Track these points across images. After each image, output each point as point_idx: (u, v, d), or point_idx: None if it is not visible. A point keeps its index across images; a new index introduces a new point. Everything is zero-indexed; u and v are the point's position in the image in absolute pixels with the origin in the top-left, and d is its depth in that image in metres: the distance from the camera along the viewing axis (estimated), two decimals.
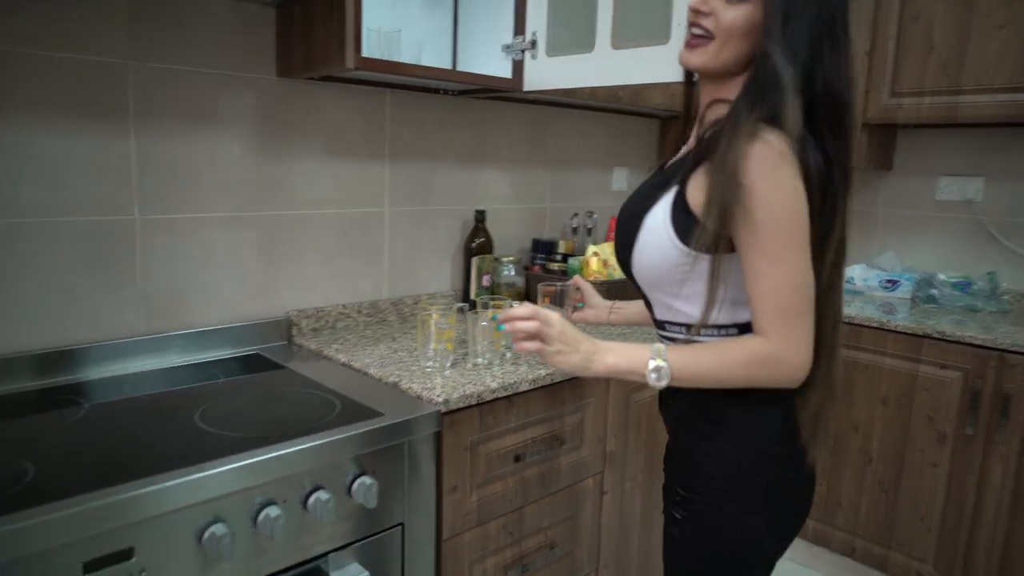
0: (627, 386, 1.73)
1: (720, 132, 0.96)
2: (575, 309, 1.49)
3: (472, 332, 1.53)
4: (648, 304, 1.14)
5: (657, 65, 1.43)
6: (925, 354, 2.07)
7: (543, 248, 2.18)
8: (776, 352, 0.95)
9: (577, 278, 1.51)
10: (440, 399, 1.31)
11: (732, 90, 1.01)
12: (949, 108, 2.19)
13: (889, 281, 2.50)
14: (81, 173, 1.39)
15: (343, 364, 1.54)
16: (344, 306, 1.82)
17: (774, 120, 0.92)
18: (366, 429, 1.19)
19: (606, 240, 2.31)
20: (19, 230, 1.33)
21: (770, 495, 1.05)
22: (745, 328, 1.01)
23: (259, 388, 1.40)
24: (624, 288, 2.11)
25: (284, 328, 1.71)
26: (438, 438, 1.33)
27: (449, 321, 1.48)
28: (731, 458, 1.04)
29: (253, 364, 1.56)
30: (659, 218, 1.02)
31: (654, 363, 0.99)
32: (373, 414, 1.25)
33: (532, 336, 1.04)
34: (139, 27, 1.41)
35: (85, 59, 1.36)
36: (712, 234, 0.94)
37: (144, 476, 0.97)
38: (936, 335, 2.04)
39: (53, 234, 1.37)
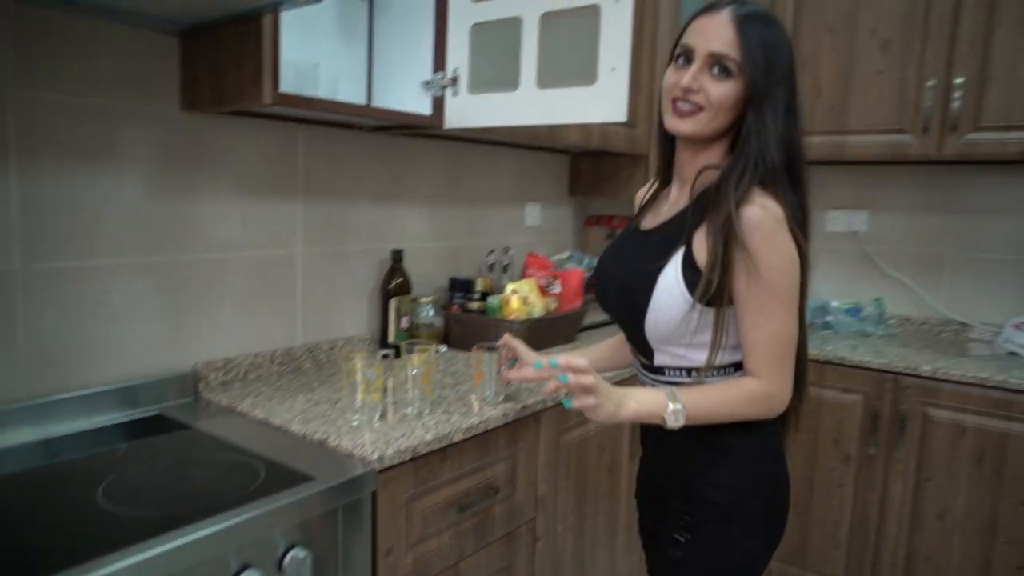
0: (557, 427, 1.71)
1: (718, 197, 1.08)
2: (509, 366, 1.45)
3: (399, 380, 1.46)
4: (643, 353, 1.23)
5: (584, 106, 1.44)
6: (828, 379, 2.18)
7: (461, 287, 2.14)
8: (770, 392, 1.10)
9: (507, 336, 1.46)
10: (374, 456, 1.23)
11: (714, 153, 1.16)
12: (837, 147, 2.34)
13: None
14: None
15: (261, 421, 1.43)
16: (256, 355, 1.70)
17: (764, 186, 1.07)
18: (297, 497, 1.09)
19: (523, 277, 2.30)
20: None
21: (765, 516, 1.19)
22: (739, 366, 1.15)
23: (168, 454, 1.27)
24: (545, 327, 2.11)
25: (190, 383, 1.57)
26: (373, 499, 1.25)
27: (377, 371, 1.41)
28: (732, 483, 1.15)
29: (158, 426, 1.41)
30: (671, 277, 1.11)
31: (672, 407, 1.08)
32: (303, 478, 1.15)
33: (589, 390, 1.06)
34: (23, 53, 1.27)
35: None
36: (720, 289, 1.07)
37: None
38: (836, 360, 2.15)
39: None
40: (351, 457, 1.25)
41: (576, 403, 1.07)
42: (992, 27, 2.07)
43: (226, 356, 1.65)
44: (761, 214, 1.05)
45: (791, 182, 1.10)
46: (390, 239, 2.02)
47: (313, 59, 1.63)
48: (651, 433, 1.29)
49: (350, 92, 1.81)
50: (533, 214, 2.55)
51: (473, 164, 2.28)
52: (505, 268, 2.31)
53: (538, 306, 2.10)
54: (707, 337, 1.12)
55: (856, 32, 2.29)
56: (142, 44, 1.43)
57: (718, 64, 1.08)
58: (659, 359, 1.20)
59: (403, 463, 1.30)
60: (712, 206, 1.08)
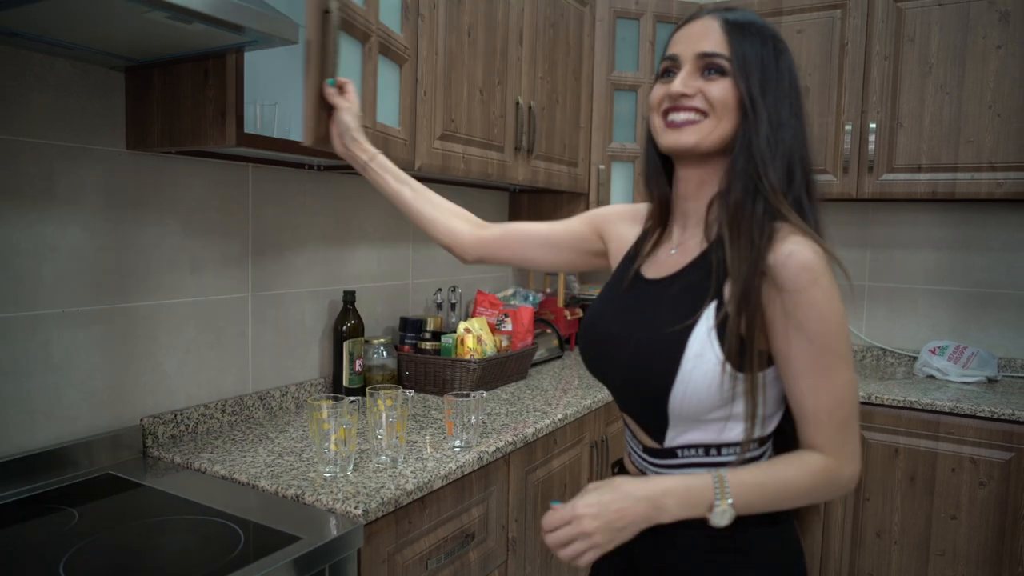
0: (525, 467, 1.69)
1: (740, 239, 0.88)
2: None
3: (369, 427, 1.41)
4: (651, 432, 0.97)
5: None
6: None
7: (412, 327, 2.09)
8: (838, 468, 0.89)
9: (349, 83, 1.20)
10: (359, 511, 1.18)
11: (716, 175, 0.95)
12: None
13: None
14: None
15: (223, 477, 1.34)
16: (206, 406, 1.59)
17: (784, 215, 0.88)
18: (287, 560, 1.02)
19: (472, 315, 2.28)
20: None
21: None
22: (764, 441, 0.94)
23: (128, 518, 1.16)
24: (498, 366, 2.09)
25: (137, 439, 1.45)
26: (358, 555, 1.18)
27: (350, 419, 1.35)
28: None
29: (106, 488, 1.29)
30: (703, 339, 0.88)
31: (720, 506, 0.86)
32: (289, 539, 1.08)
33: (567, 542, 0.87)
34: None
35: None
36: (760, 351, 0.87)
37: None
38: None
39: None
40: (332, 512, 1.19)
41: (561, 557, 0.88)
42: (898, 78, 2.26)
43: (174, 408, 1.54)
44: (805, 255, 0.85)
45: (809, 197, 0.91)
46: (342, 280, 1.96)
47: (270, 98, 1.57)
48: (645, 542, 0.93)
49: (299, 130, 1.76)
50: None
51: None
52: (453, 306, 2.28)
53: (490, 344, 2.09)
54: (740, 408, 0.89)
55: None
56: (85, 80, 1.34)
57: (710, 65, 0.91)
58: (674, 439, 0.94)
59: (386, 515, 1.24)
60: (734, 250, 0.88)
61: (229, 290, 1.65)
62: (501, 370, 2.09)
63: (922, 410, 2.06)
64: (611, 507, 0.86)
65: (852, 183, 2.34)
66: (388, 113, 1.55)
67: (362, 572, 1.20)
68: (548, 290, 2.77)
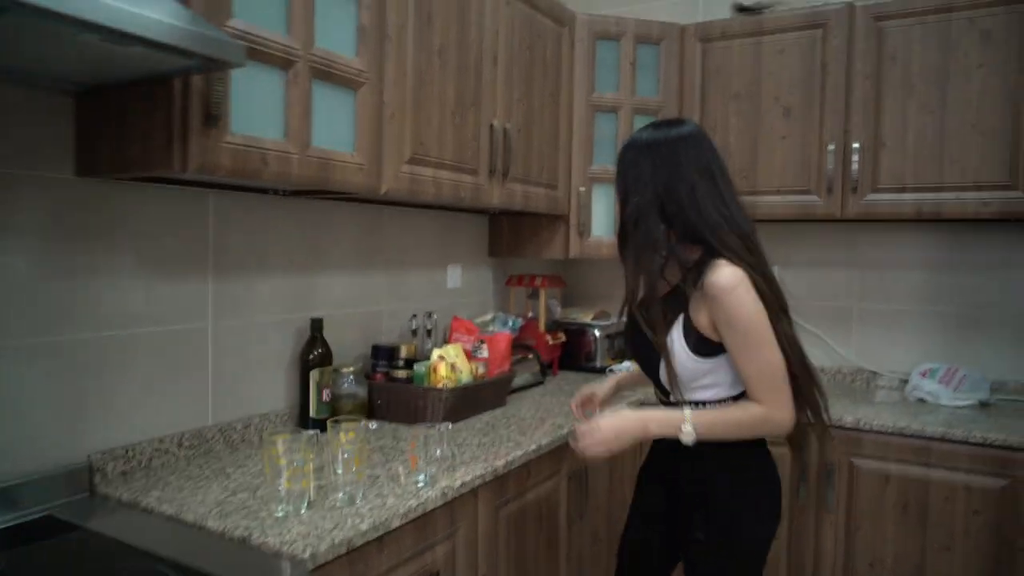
0: (495, 501, 1.62)
1: (694, 276, 1.36)
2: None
3: (327, 461, 1.34)
4: (661, 391, 1.50)
5: None
6: None
7: (384, 354, 2.04)
8: (769, 413, 1.33)
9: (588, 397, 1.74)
10: (305, 554, 1.11)
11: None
12: (749, 206, 2.42)
13: None
14: None
15: (170, 517, 1.27)
16: (161, 440, 1.53)
17: (715, 254, 1.34)
18: None
19: (448, 342, 2.22)
20: None
21: (767, 510, 1.44)
22: (740, 396, 1.39)
23: (59, 568, 1.09)
24: (473, 394, 2.02)
25: (84, 477, 1.39)
26: None
27: (304, 455, 1.29)
28: (741, 491, 1.42)
29: (44, 530, 1.23)
30: (676, 341, 1.38)
31: (685, 429, 1.35)
32: None
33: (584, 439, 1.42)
34: None
35: None
36: (711, 343, 1.36)
37: None
38: None
39: None
40: (279, 556, 1.13)
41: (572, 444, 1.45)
42: (880, 97, 2.23)
43: (127, 443, 1.48)
44: (721, 277, 1.30)
45: (747, 248, 1.35)
46: (309, 307, 1.91)
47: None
48: (669, 456, 1.48)
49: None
50: (454, 276, 2.49)
51: (392, 227, 2.21)
52: (429, 332, 2.23)
53: (465, 371, 2.03)
54: (708, 380, 1.39)
55: (760, 100, 2.41)
56: (29, 105, 1.30)
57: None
58: (676, 398, 1.42)
59: (338, 558, 1.18)
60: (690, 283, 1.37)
61: (188, 320, 1.60)
62: (476, 398, 2.03)
63: (912, 436, 2.00)
64: (617, 423, 1.40)
65: (836, 203, 2.30)
66: (339, 139, 1.51)
67: None
68: (530, 314, 2.71)
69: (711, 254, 1.34)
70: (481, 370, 2.11)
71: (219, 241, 1.66)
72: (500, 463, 1.60)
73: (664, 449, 1.50)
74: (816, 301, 2.65)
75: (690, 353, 1.37)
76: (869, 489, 2.05)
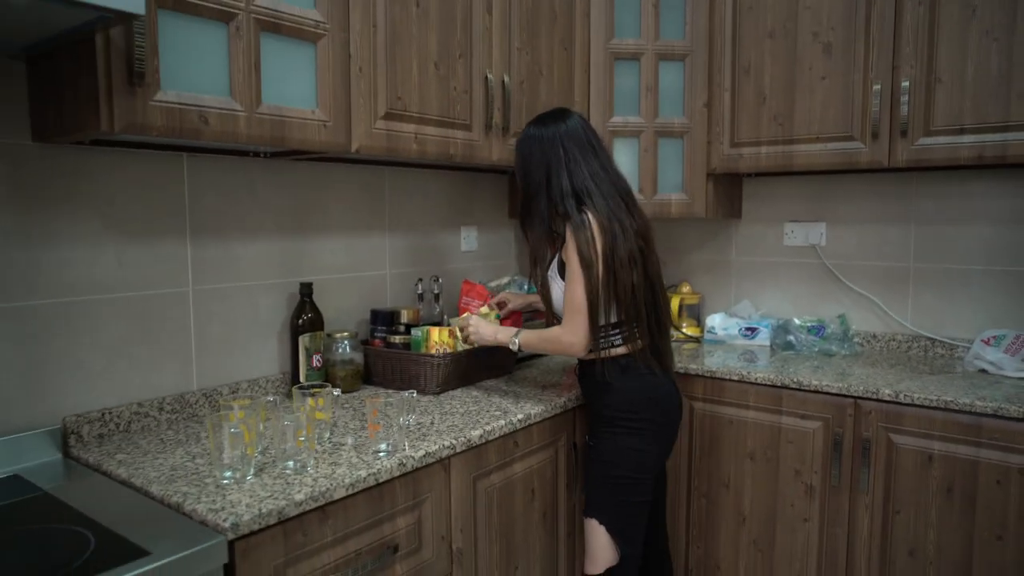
0: (472, 472, 1.55)
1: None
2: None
3: (280, 430, 1.31)
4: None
5: None
6: (786, 405, 2.02)
7: (383, 319, 1.99)
8: (562, 335, 1.65)
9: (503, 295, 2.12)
10: (226, 524, 1.08)
11: None
12: (785, 157, 2.21)
13: (749, 329, 2.47)
14: None
15: (122, 481, 1.27)
16: (140, 404, 1.55)
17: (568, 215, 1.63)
18: None
19: (459, 307, 2.15)
20: None
21: (647, 425, 1.67)
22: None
23: None
24: (475, 362, 1.92)
25: (58, 439, 1.42)
26: (228, 571, 1.09)
27: (250, 421, 1.26)
28: (616, 405, 1.66)
29: (6, 491, 1.26)
30: (552, 276, 1.74)
31: (515, 340, 1.75)
32: (137, 554, 1.00)
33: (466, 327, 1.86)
34: None
35: None
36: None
37: None
38: (794, 385, 2.00)
39: None
40: (204, 524, 1.10)
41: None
42: (935, 26, 1.95)
43: (102, 406, 1.50)
44: (573, 223, 1.60)
45: (609, 206, 1.62)
46: (303, 272, 1.88)
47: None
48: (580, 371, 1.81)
49: None
50: (470, 238, 2.41)
51: (396, 188, 2.14)
52: (437, 297, 2.16)
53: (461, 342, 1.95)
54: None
55: (797, 36, 2.17)
56: None
57: None
58: (547, 320, 1.87)
59: (268, 527, 1.14)
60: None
61: (164, 284, 1.60)
62: (476, 365, 1.95)
63: (960, 411, 1.77)
64: (485, 326, 1.84)
65: (883, 150, 2.04)
66: (297, 95, 1.45)
67: None
68: None
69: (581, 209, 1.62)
70: None
71: (196, 204, 1.64)
72: (476, 433, 1.52)
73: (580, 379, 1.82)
74: (866, 261, 2.40)
75: (559, 280, 1.69)
76: (909, 469, 1.84)
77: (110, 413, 1.50)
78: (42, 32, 1.17)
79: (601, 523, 1.67)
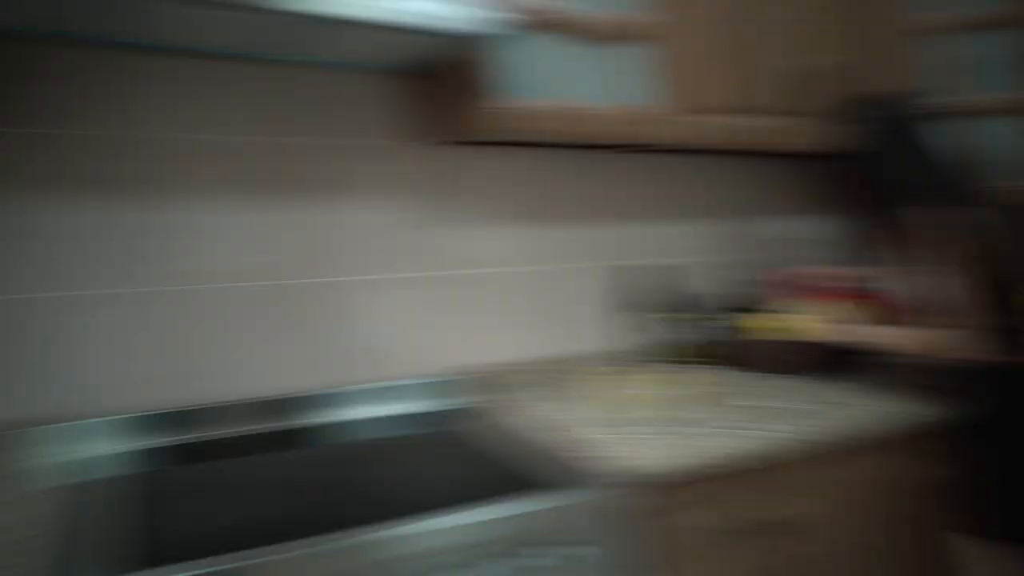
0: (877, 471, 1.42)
1: None
2: None
3: (683, 397, 1.32)
4: None
5: None
6: None
7: (702, 305, 1.98)
8: None
9: None
10: (642, 471, 1.12)
11: None
12: None
13: None
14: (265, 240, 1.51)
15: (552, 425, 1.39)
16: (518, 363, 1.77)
17: None
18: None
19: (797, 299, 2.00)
20: (227, 292, 1.47)
21: None
22: None
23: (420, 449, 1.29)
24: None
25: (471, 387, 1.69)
26: (646, 512, 1.13)
27: (661, 387, 1.30)
28: None
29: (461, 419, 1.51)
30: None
31: None
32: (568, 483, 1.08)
33: None
34: (277, 106, 1.53)
35: (244, 140, 1.49)
36: None
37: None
38: None
39: (251, 295, 1.50)
40: (620, 472, 1.15)
41: None
42: None
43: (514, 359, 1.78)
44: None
45: None
46: (622, 256, 1.98)
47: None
48: None
49: None
50: (797, 227, 2.27)
51: (700, 177, 2.12)
52: (756, 286, 2.05)
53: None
54: None
55: None
56: (369, 87, 1.62)
57: None
58: None
59: (686, 481, 1.17)
60: None
61: (557, 262, 1.86)
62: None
63: None
64: None
65: None
66: (642, 93, 1.59)
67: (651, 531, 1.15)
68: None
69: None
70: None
71: (554, 192, 1.85)
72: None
73: None
74: None
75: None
76: None
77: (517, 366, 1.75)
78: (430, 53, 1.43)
79: None
